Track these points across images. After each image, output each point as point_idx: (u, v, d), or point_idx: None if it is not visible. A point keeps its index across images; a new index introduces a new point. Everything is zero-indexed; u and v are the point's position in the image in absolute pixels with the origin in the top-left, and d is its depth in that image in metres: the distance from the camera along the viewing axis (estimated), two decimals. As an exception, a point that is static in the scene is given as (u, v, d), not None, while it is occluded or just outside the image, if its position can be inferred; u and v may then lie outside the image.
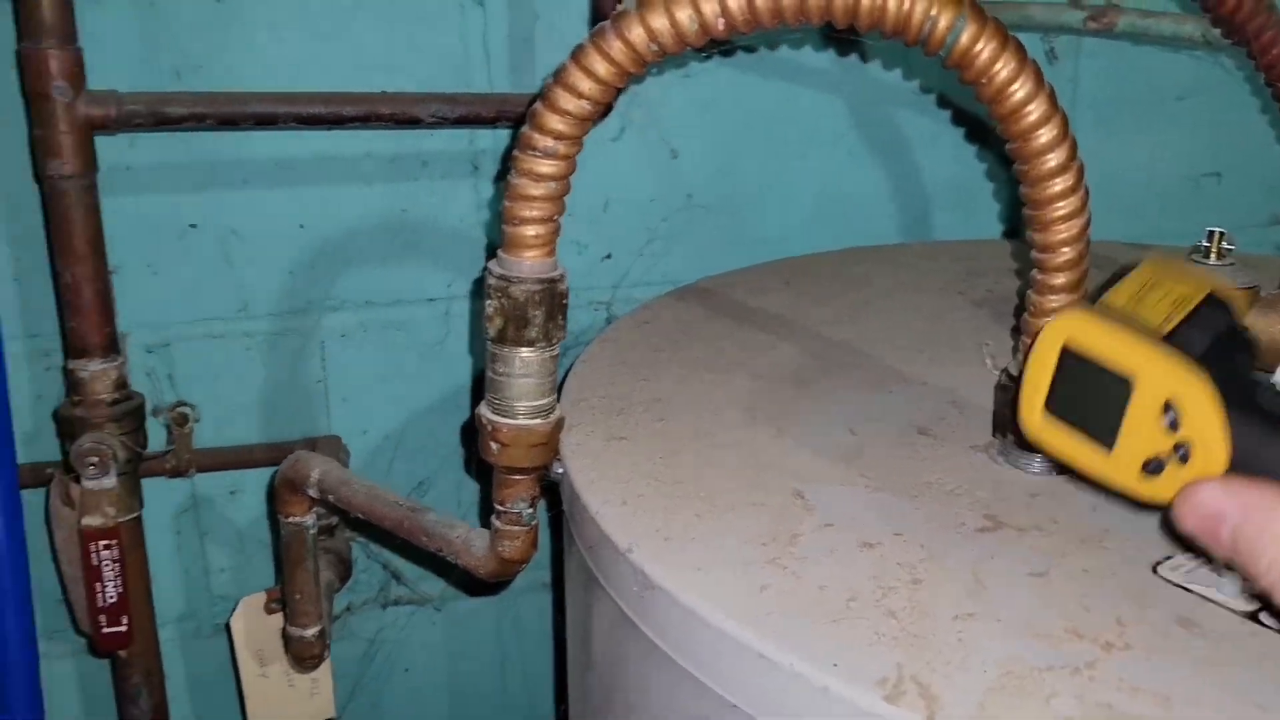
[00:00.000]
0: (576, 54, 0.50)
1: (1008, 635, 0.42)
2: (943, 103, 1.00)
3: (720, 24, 0.48)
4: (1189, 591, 0.44)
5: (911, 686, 0.39)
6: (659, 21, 0.48)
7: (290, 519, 0.67)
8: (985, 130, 1.01)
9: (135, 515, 0.75)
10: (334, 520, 0.82)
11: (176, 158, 0.84)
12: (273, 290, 0.91)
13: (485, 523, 0.59)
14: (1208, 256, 0.60)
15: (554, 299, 0.53)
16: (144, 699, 0.79)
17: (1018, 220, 1.07)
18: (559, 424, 0.56)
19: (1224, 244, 0.60)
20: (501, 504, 0.57)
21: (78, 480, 0.72)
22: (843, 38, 0.95)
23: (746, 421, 0.59)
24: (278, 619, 0.80)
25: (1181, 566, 0.45)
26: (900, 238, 1.03)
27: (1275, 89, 0.66)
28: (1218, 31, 0.68)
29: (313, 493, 0.65)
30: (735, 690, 0.43)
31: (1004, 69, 0.47)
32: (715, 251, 0.97)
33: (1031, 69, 0.48)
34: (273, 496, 0.73)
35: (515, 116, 0.79)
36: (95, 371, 0.72)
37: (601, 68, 0.49)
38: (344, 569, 0.82)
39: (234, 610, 0.82)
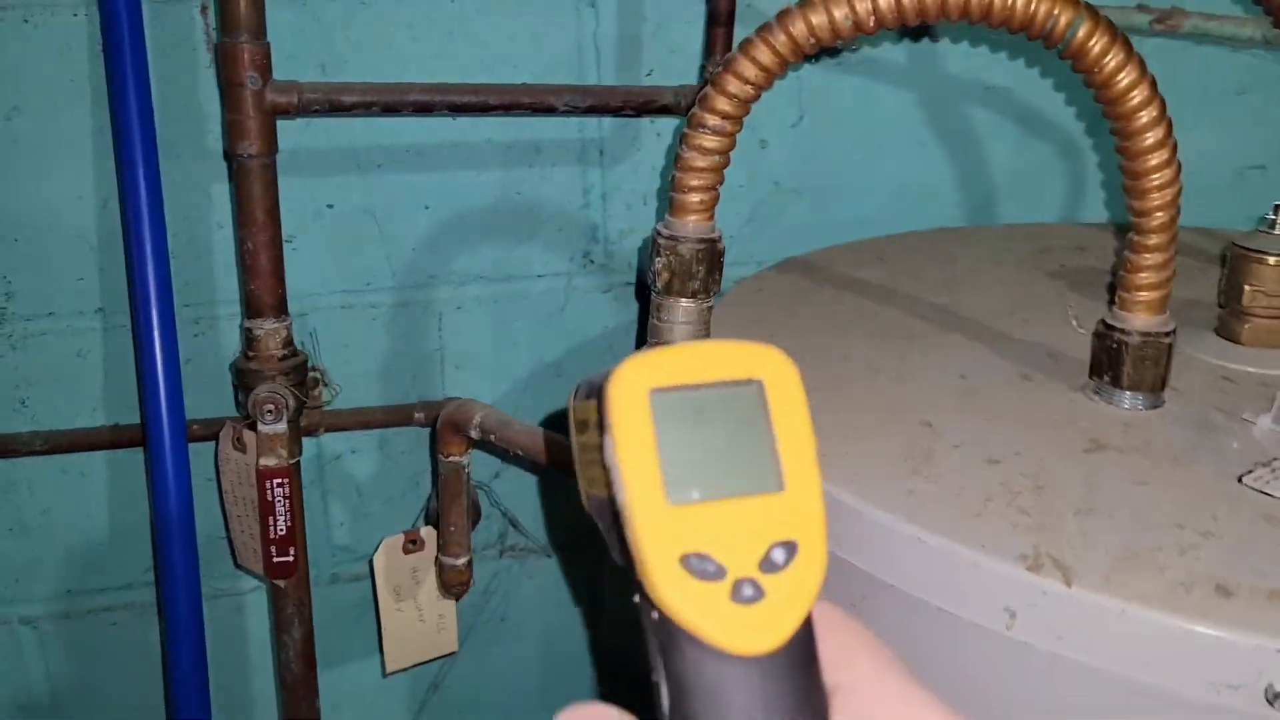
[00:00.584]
0: (745, 46, 0.59)
1: (1122, 527, 0.50)
2: (1006, 98, 1.08)
3: (871, 21, 0.56)
4: (1271, 497, 0.53)
5: (1048, 560, 0.47)
6: (819, 18, 0.57)
7: (450, 458, 0.76)
8: (1045, 124, 1.10)
9: (298, 459, 0.84)
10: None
11: (317, 144, 0.93)
12: (397, 266, 1.00)
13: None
14: (1273, 228, 0.69)
15: (714, 256, 0.62)
16: (296, 627, 0.88)
17: (1075, 208, 1.16)
18: (710, 367, 0.65)
19: (1284, 223, 0.68)
20: (658, 436, 0.66)
21: (251, 427, 0.81)
22: (915, 30, 1.03)
23: (869, 372, 0.68)
24: (413, 558, 0.90)
25: (1263, 477, 0.54)
26: (968, 223, 1.12)
27: (1329, 84, 0.75)
28: (1278, 32, 0.76)
29: (474, 434, 0.74)
30: (892, 573, 0.51)
31: (1113, 60, 0.56)
32: (800, 236, 1.06)
33: (1136, 60, 0.56)
34: (434, 439, 0.82)
35: (637, 106, 0.88)
36: (269, 329, 0.81)
37: (766, 57, 0.58)
38: (475, 513, 0.91)
39: (376, 549, 0.91)
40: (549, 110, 0.84)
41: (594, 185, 1.01)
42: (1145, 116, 0.57)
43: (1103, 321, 0.63)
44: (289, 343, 0.84)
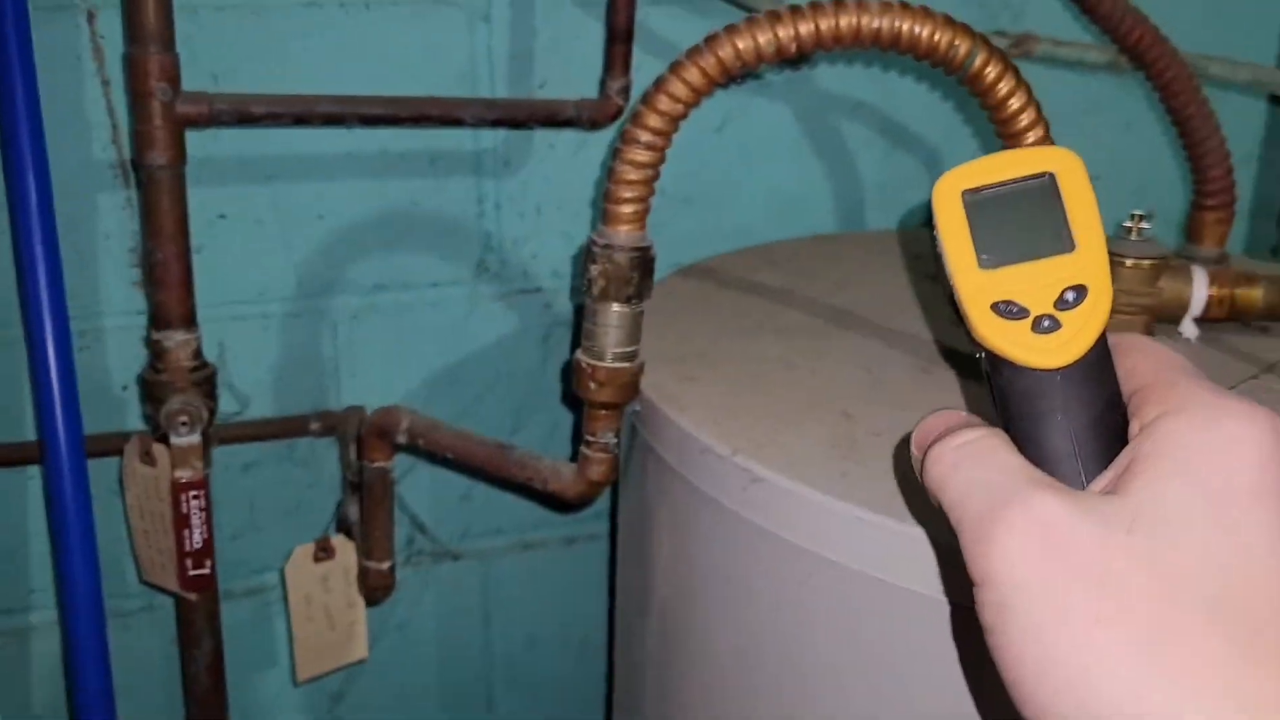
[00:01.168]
0: (675, 66, 0.63)
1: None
2: (875, 114, 1.16)
3: (793, 46, 0.61)
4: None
5: (977, 532, 0.53)
6: (745, 43, 0.61)
7: (375, 463, 0.77)
8: (909, 137, 1.18)
9: (209, 471, 0.83)
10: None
11: (208, 153, 0.92)
12: (290, 276, 0.99)
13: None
14: (1129, 234, 0.77)
15: (646, 264, 0.66)
16: (206, 640, 0.87)
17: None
18: (641, 368, 0.69)
19: (1142, 223, 0.77)
20: (592, 434, 0.69)
21: (162, 440, 0.80)
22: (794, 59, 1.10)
23: (785, 368, 0.73)
24: (323, 567, 0.90)
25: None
26: (838, 228, 1.19)
27: (1169, 105, 0.84)
28: (1123, 58, 0.86)
29: (402, 439, 0.75)
30: (836, 549, 0.56)
31: (1005, 86, 0.62)
32: (689, 241, 1.11)
33: (1025, 86, 0.63)
34: (360, 445, 0.82)
35: (542, 119, 0.91)
36: (179, 341, 0.80)
37: (696, 78, 0.62)
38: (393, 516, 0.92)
39: (288, 558, 0.91)
40: (457, 122, 0.86)
41: (488, 195, 1.04)
42: (1033, 136, 0.64)
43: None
44: (198, 353, 0.83)
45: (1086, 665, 0.29)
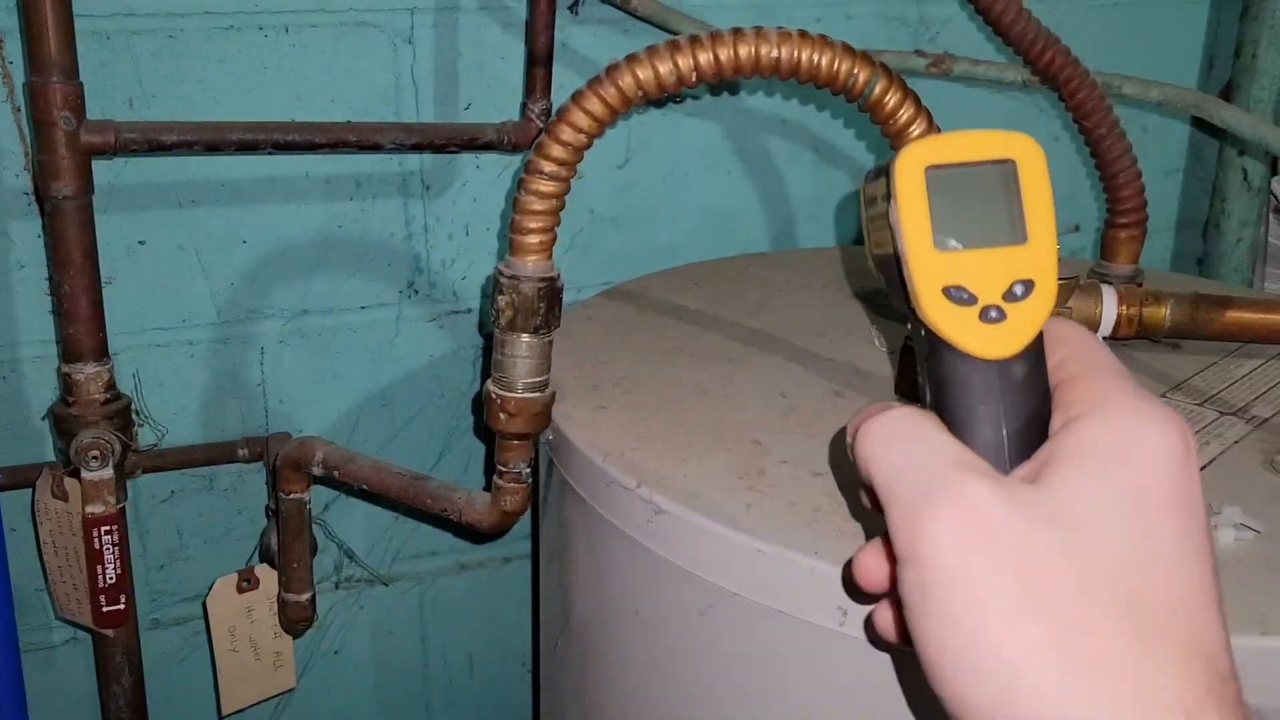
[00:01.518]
0: (577, 97, 0.63)
1: (932, 528, 0.57)
2: (802, 130, 1.16)
3: (693, 76, 0.61)
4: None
5: (874, 562, 0.53)
6: (645, 72, 0.61)
7: (291, 495, 0.77)
8: (837, 154, 1.19)
9: (123, 505, 0.82)
10: (300, 505, 0.90)
11: (126, 180, 0.91)
12: (215, 302, 0.98)
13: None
14: (1039, 254, 0.78)
15: (554, 294, 0.66)
16: (126, 675, 0.85)
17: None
18: (552, 397, 0.68)
19: (1051, 244, 0.77)
20: (504, 465, 0.69)
21: (74, 474, 0.79)
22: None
23: (699, 393, 0.73)
24: (247, 597, 0.89)
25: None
26: (771, 246, 1.19)
27: (1081, 125, 0.85)
28: (1036, 78, 0.86)
29: (317, 470, 0.74)
30: (740, 582, 0.56)
31: (905, 113, 0.63)
32: (617, 261, 1.11)
33: (925, 113, 0.64)
34: (275, 476, 0.81)
35: (461, 143, 0.90)
36: (90, 374, 0.79)
37: (598, 108, 0.62)
38: (313, 547, 0.91)
39: (210, 589, 0.90)
40: (375, 148, 0.86)
41: (415, 217, 1.03)
42: (934, 162, 0.64)
43: (906, 340, 0.70)
44: (111, 386, 0.81)
45: (1005, 656, 0.30)
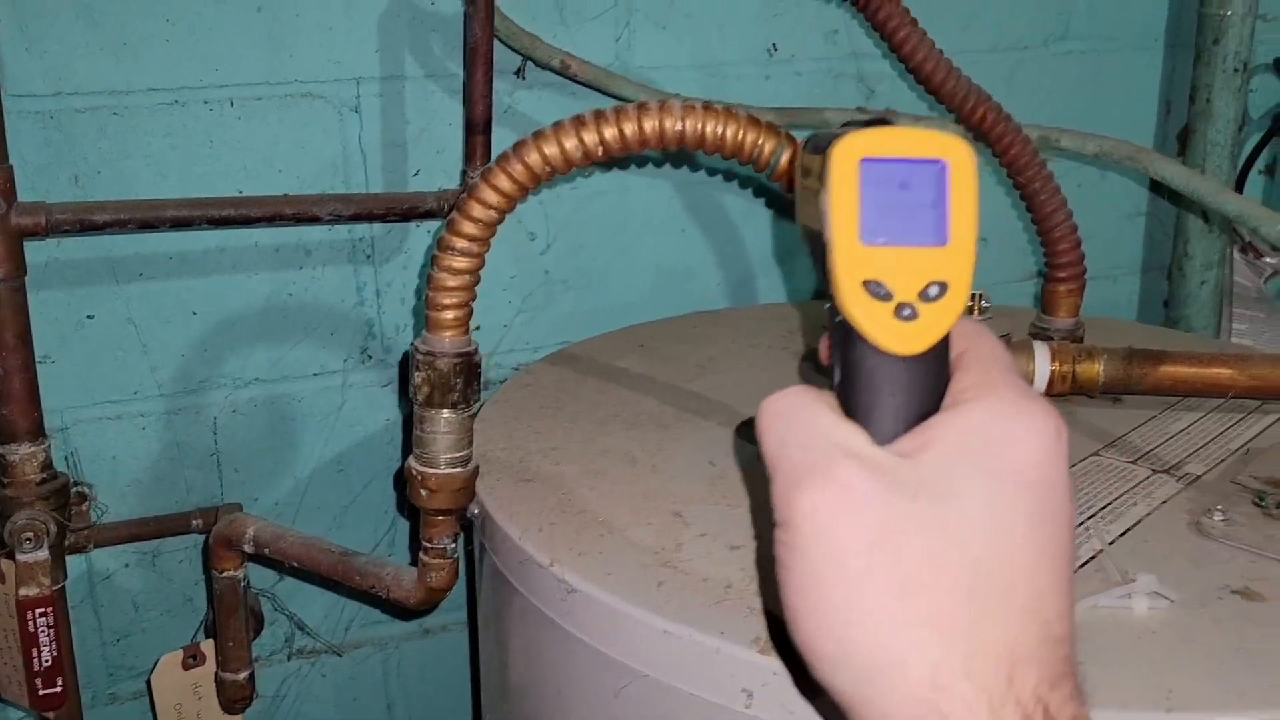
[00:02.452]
0: (486, 174, 0.63)
1: (844, 602, 0.56)
2: (753, 185, 1.17)
3: (599, 151, 0.62)
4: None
5: (779, 642, 0.52)
6: (551, 149, 0.62)
7: (224, 573, 0.76)
8: (789, 206, 1.19)
9: (62, 585, 0.82)
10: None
11: (72, 256, 0.92)
12: (166, 373, 0.98)
13: (411, 562, 0.70)
14: (971, 313, 0.78)
15: (471, 369, 0.65)
16: (69, 760, 0.84)
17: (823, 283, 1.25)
18: (475, 471, 0.68)
19: (982, 302, 0.77)
20: (429, 541, 0.68)
21: (9, 555, 0.78)
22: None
23: (628, 463, 0.72)
24: (193, 674, 0.88)
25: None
26: (729, 301, 1.19)
27: (1015, 181, 0.85)
28: (971, 135, 0.87)
29: (248, 548, 0.74)
30: (648, 662, 0.55)
31: (814, 181, 0.63)
32: (572, 320, 1.11)
33: (834, 181, 0.63)
34: (208, 554, 0.81)
35: (401, 212, 0.90)
36: (25, 454, 0.79)
37: (506, 185, 0.62)
38: (257, 621, 0.90)
39: (154, 667, 0.89)
40: (313, 220, 0.86)
41: (367, 283, 1.03)
42: (846, 229, 0.64)
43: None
44: (47, 465, 0.81)
45: (850, 608, 0.34)
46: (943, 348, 0.38)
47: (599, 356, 0.92)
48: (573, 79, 0.99)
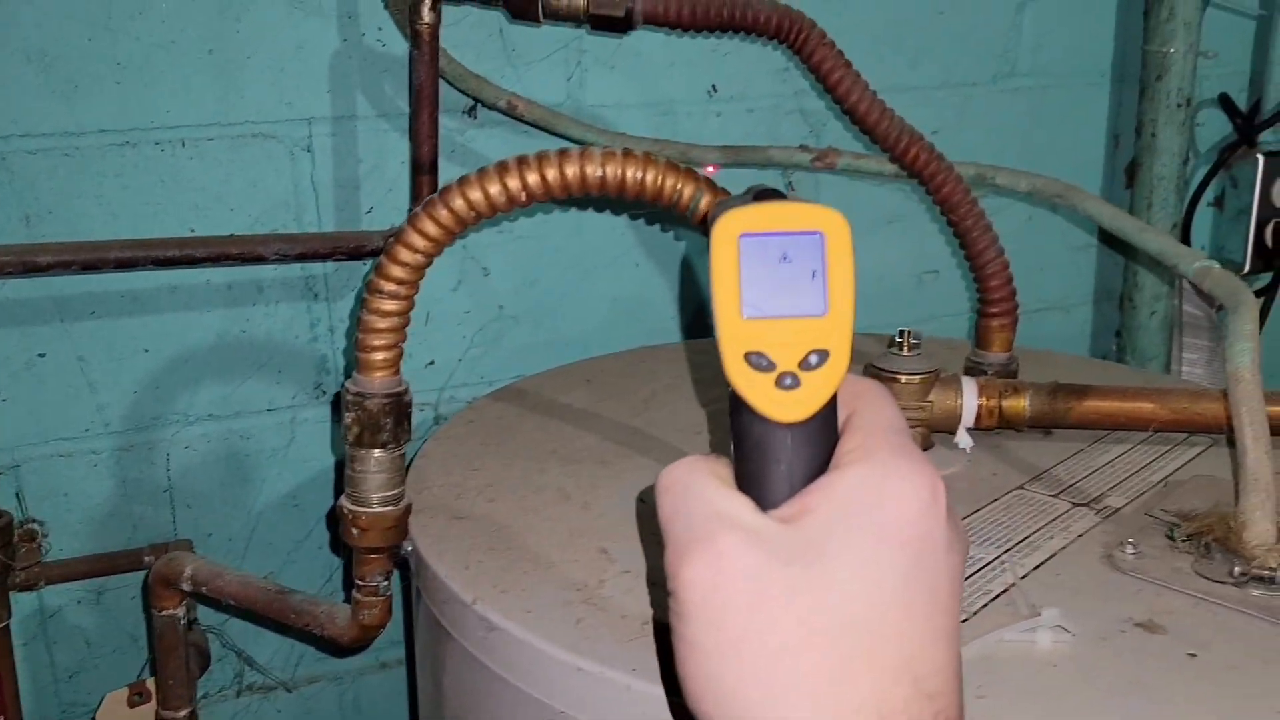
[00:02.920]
0: (412, 219, 0.64)
1: (758, 638, 0.57)
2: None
3: (523, 196, 0.63)
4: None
5: (689, 678, 0.53)
6: (475, 194, 0.63)
7: (164, 611, 0.77)
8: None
9: (5, 624, 0.82)
10: (193, 614, 0.90)
11: (23, 295, 0.93)
12: (117, 410, 0.99)
13: (347, 598, 0.71)
14: (902, 349, 0.79)
15: (401, 409, 0.67)
16: (14, 799, 0.84)
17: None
18: (407, 509, 0.69)
19: (912, 339, 0.79)
20: (361, 579, 0.69)
21: (-48, 595, 0.79)
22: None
23: (560, 499, 0.73)
24: (139, 712, 0.88)
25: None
26: (685, 334, 1.21)
27: (948, 218, 0.87)
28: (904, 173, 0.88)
29: (186, 587, 0.75)
30: (564, 699, 0.56)
31: (733, 224, 0.64)
32: (525, 354, 1.12)
33: (753, 224, 0.65)
34: (147, 593, 0.82)
35: (347, 251, 0.92)
36: (-32, 494, 0.80)
37: (432, 229, 0.64)
38: (203, 659, 0.90)
39: (99, 705, 0.89)
40: (258, 260, 0.87)
41: (320, 319, 1.04)
42: (767, 270, 0.65)
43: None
44: (-10, 505, 0.82)
45: (727, 674, 0.36)
46: (829, 412, 0.39)
47: (545, 392, 0.93)
48: (520, 119, 1.00)
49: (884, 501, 0.36)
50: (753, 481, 0.39)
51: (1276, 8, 1.29)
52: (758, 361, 0.38)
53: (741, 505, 0.38)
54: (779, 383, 0.38)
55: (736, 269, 0.39)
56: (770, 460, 0.38)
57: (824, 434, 0.39)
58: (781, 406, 0.38)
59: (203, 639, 0.92)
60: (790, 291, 0.39)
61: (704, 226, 0.65)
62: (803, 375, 0.38)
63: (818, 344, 0.39)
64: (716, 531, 0.37)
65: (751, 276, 0.39)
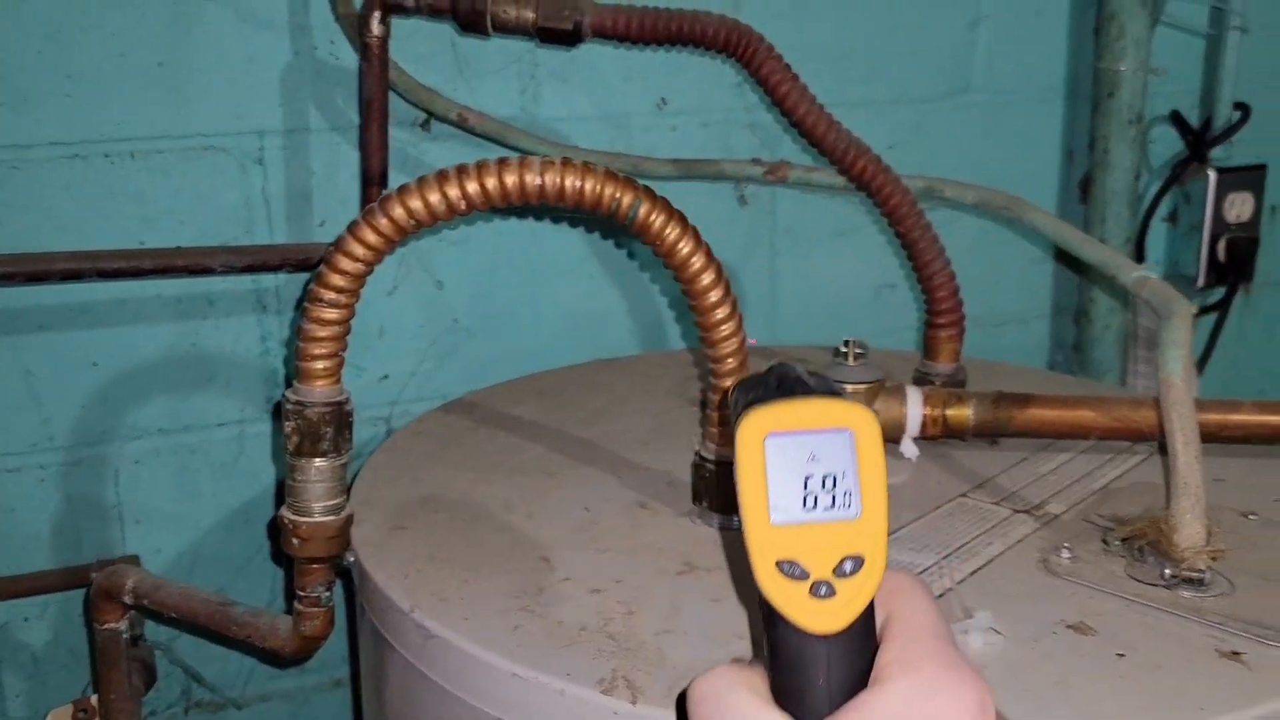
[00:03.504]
0: (352, 227, 0.64)
1: (694, 643, 0.57)
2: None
3: (462, 205, 0.63)
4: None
5: (622, 683, 0.54)
6: (415, 203, 0.63)
7: (105, 625, 0.76)
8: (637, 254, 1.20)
9: (-55, 640, 0.81)
10: (139, 630, 0.89)
11: (-32, 307, 0.92)
12: (65, 425, 0.98)
13: (289, 610, 0.70)
14: (847, 359, 0.80)
15: (341, 418, 0.66)
16: (-48, 818, 0.83)
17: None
18: (349, 520, 0.69)
19: (856, 349, 0.79)
20: (302, 589, 0.68)
21: (-111, 610, 0.78)
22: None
23: (504, 509, 0.73)
24: (85, 729, 0.87)
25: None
26: (640, 347, 1.21)
27: (896, 230, 0.88)
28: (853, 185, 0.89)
29: (128, 600, 0.74)
30: (500, 706, 0.56)
31: (672, 232, 0.65)
32: (480, 367, 1.12)
33: (692, 231, 0.66)
34: (88, 607, 0.81)
35: (296, 263, 0.92)
36: (-93, 507, 0.79)
37: (372, 238, 0.64)
38: (149, 675, 0.89)
39: (43, 722, 0.88)
40: (206, 272, 0.87)
41: (272, 332, 1.04)
42: (707, 279, 0.66)
43: (698, 453, 0.71)
44: (-69, 519, 0.81)
45: None
46: (867, 619, 0.38)
47: (496, 404, 0.93)
48: (471, 132, 1.01)
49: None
50: (790, 696, 0.37)
51: (1225, 26, 1.31)
52: (790, 570, 0.37)
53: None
54: (813, 591, 0.37)
55: (764, 472, 0.37)
56: (808, 673, 0.37)
57: (863, 642, 0.38)
58: (817, 617, 0.37)
59: (148, 654, 0.91)
60: (820, 494, 0.37)
61: (644, 236, 0.65)
62: (837, 583, 0.37)
63: (852, 549, 0.37)
64: None
65: (779, 479, 0.37)
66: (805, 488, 0.37)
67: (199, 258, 0.87)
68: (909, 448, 0.79)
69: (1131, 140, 1.27)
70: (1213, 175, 1.34)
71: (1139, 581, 0.62)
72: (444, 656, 0.58)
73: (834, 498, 0.37)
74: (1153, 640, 0.57)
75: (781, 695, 0.37)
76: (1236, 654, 0.56)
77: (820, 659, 0.37)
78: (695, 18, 0.87)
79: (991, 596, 0.61)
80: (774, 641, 0.38)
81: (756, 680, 0.38)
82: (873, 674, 0.37)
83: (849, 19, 1.19)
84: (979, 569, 0.65)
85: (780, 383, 0.38)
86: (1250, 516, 0.71)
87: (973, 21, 1.27)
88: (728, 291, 0.67)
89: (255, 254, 0.89)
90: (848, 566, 0.37)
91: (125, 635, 0.77)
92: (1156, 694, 0.53)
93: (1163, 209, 1.38)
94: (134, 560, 0.99)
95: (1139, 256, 1.34)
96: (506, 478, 0.78)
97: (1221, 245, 1.36)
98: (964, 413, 0.77)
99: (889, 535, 0.37)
